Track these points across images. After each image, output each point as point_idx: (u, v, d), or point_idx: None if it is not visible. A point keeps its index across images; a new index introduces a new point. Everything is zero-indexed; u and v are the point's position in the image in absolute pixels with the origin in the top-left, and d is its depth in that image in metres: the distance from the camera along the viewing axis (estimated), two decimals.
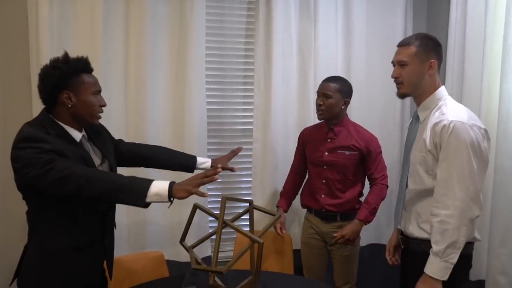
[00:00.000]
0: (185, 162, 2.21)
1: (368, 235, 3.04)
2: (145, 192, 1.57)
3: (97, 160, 1.82)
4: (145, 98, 2.66)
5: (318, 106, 2.43)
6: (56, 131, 1.68)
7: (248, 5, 2.89)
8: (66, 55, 1.72)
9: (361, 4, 2.94)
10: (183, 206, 2.73)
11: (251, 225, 1.85)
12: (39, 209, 1.70)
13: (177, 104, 2.74)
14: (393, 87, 1.98)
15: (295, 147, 2.71)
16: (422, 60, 1.84)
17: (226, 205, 1.64)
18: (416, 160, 1.87)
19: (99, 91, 1.79)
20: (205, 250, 2.81)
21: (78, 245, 1.73)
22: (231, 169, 2.28)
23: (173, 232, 2.78)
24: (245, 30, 2.92)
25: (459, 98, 2.62)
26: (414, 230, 1.90)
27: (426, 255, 1.75)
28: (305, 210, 2.67)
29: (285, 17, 2.81)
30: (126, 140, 2.62)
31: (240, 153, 2.93)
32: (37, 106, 2.49)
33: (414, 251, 1.90)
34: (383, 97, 3.03)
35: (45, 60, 2.41)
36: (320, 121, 2.56)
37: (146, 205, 1.61)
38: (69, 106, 1.69)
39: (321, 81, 2.48)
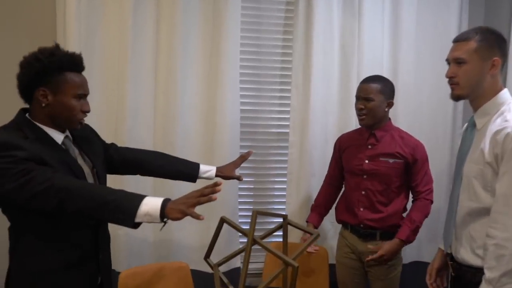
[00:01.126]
0: (186, 170, 2.00)
1: (410, 252, 2.81)
2: (134, 211, 1.37)
3: (85, 168, 1.65)
4: (175, 96, 2.52)
5: (359, 110, 2.20)
6: (35, 134, 1.50)
7: None
8: (55, 47, 1.53)
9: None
10: (211, 213, 2.57)
11: (285, 242, 1.64)
12: (19, 224, 1.52)
13: (209, 104, 2.58)
14: (445, 90, 1.77)
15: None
16: (483, 58, 1.61)
17: (258, 218, 1.44)
18: (471, 174, 1.64)
19: (84, 95, 1.60)
20: (233, 262, 2.62)
21: (65, 264, 1.55)
22: (238, 178, 2.07)
23: (201, 240, 2.62)
24: (283, 25, 2.74)
25: None
26: (468, 256, 1.66)
27: None
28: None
29: (327, 11, 2.61)
30: (152, 141, 2.52)
31: (275, 158, 2.80)
32: None
33: (469, 281, 1.65)
34: (433, 101, 2.78)
35: None
36: (358, 128, 2.36)
37: (135, 225, 1.42)
38: (43, 105, 1.51)
39: (359, 83, 2.26)
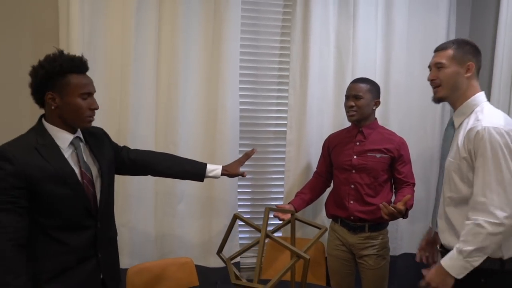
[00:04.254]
0: (193, 170, 2.08)
1: (402, 245, 2.93)
2: None
3: (93, 167, 1.74)
4: (177, 96, 2.57)
5: (349, 108, 2.34)
6: (44, 140, 1.61)
7: (284, 2, 2.79)
8: (58, 53, 1.63)
9: (402, 3, 2.79)
10: (212, 209, 2.66)
11: (293, 237, 1.73)
12: None
13: (210, 104, 2.64)
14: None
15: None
16: (459, 62, 1.82)
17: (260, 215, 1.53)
18: (450, 168, 1.81)
19: (89, 93, 1.67)
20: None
21: (64, 267, 1.62)
22: (242, 175, 2.16)
23: (203, 236, 2.70)
24: (280, 27, 2.82)
25: (507, 103, 2.50)
26: (452, 242, 1.78)
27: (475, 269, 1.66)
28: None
29: (323, 14, 2.69)
30: (154, 140, 2.58)
31: (273, 156, 2.87)
32: None
33: None
34: (422, 101, 2.88)
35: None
36: (346, 127, 2.50)
37: None
38: (53, 107, 1.61)
39: (349, 83, 2.41)
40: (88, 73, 2.51)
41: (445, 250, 1.84)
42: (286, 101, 2.77)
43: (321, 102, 2.76)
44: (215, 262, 2.69)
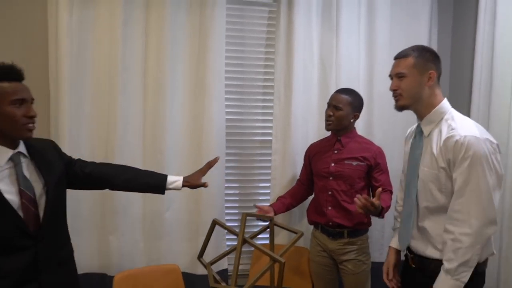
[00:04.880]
0: (153, 182, 1.98)
1: (384, 252, 2.94)
2: None
3: (37, 184, 1.63)
4: (163, 106, 2.63)
5: (328, 116, 2.41)
6: None
7: (269, 14, 2.87)
8: None
9: (384, 14, 2.86)
10: (199, 217, 2.71)
11: (271, 242, 1.79)
12: None
13: (196, 113, 2.70)
14: None
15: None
16: (420, 72, 1.81)
17: (247, 222, 1.58)
18: (427, 178, 1.80)
19: (23, 100, 1.55)
20: (221, 263, 2.74)
21: None
22: (204, 185, 2.06)
23: (190, 243, 2.74)
24: (265, 39, 2.89)
25: (487, 110, 2.57)
26: (429, 250, 1.82)
27: None
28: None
29: (307, 26, 2.77)
30: (142, 149, 2.63)
31: (259, 165, 2.93)
32: (55, 112, 2.52)
33: (432, 271, 1.78)
34: (406, 111, 2.91)
35: (64, 66, 2.47)
36: (326, 136, 2.56)
37: None
38: None
39: (333, 92, 2.48)
40: (77, 85, 2.58)
41: (419, 258, 1.86)
42: (272, 111, 2.83)
43: (305, 112, 2.82)
44: (203, 270, 2.73)
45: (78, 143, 2.56)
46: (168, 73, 2.63)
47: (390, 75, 1.92)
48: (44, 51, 2.54)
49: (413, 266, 1.91)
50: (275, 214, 2.51)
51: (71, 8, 2.49)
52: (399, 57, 1.89)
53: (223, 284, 1.60)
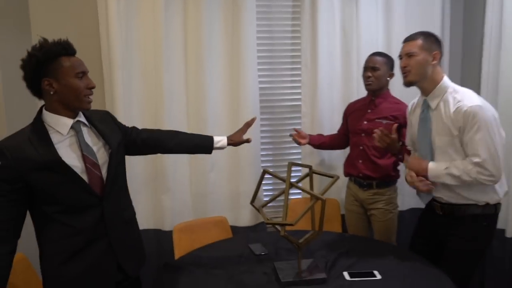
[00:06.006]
0: (202, 143, 2.16)
1: (408, 200, 3.25)
2: None
3: (101, 150, 1.74)
4: (203, 78, 2.93)
5: (367, 78, 2.65)
6: (37, 130, 1.62)
7: None
8: (42, 41, 1.61)
9: None
10: (239, 176, 3.05)
11: (311, 186, 2.11)
12: (32, 213, 1.68)
13: (233, 84, 3.00)
14: None
15: (341, 119, 2.97)
16: (427, 51, 2.09)
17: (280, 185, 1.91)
18: (444, 143, 2.07)
19: (83, 72, 1.65)
20: (258, 217, 3.10)
21: (73, 251, 1.65)
22: (247, 141, 2.24)
23: (232, 200, 3.09)
24: (291, 13, 3.14)
25: (495, 90, 2.84)
26: (457, 199, 2.10)
27: (476, 216, 2.04)
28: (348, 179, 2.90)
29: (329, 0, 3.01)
30: (186, 119, 2.94)
31: (290, 128, 3.22)
32: (109, 88, 2.82)
33: (462, 214, 2.10)
34: None
35: (116, 52, 2.76)
36: (363, 96, 2.81)
37: None
38: (52, 93, 1.60)
39: (368, 56, 2.71)
40: (127, 64, 2.87)
41: (447, 205, 2.15)
42: (300, 78, 3.13)
43: (330, 77, 3.09)
44: (244, 222, 3.09)
45: (131, 115, 2.89)
46: (206, 49, 2.91)
47: (399, 56, 2.18)
48: (96, 36, 2.84)
49: (441, 213, 2.19)
50: (309, 142, 2.84)
51: None
52: (408, 40, 2.15)
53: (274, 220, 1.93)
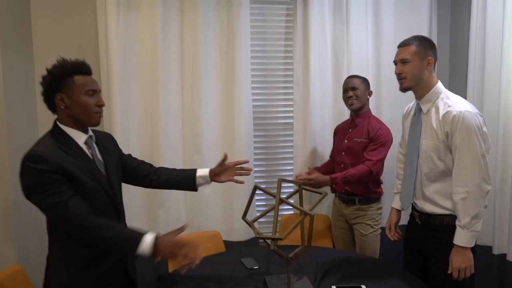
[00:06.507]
0: (185, 186, 2.21)
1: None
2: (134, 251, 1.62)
3: (103, 168, 1.81)
4: (199, 96, 3.01)
5: (348, 98, 2.74)
6: (64, 140, 1.70)
7: (287, 11, 3.23)
8: (61, 60, 1.72)
9: (389, 8, 3.21)
10: (233, 192, 3.11)
11: (300, 202, 2.17)
12: (50, 221, 1.73)
13: (227, 101, 3.08)
14: None
15: (332, 137, 3.04)
16: (421, 58, 2.08)
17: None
18: (429, 148, 2.07)
19: (94, 91, 1.74)
20: (250, 232, 3.14)
21: (89, 259, 1.72)
22: (240, 182, 2.24)
23: (225, 215, 3.14)
24: (284, 33, 3.25)
25: (481, 92, 2.90)
26: (433, 208, 2.12)
27: (452, 227, 2.00)
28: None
29: (320, 21, 3.12)
30: (181, 133, 3.01)
31: (282, 144, 3.30)
32: (107, 104, 2.86)
33: (438, 224, 2.11)
34: (411, 92, 3.25)
35: (114, 65, 2.83)
36: (346, 119, 2.92)
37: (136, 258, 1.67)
38: (63, 107, 1.69)
39: (345, 79, 2.81)
40: (124, 80, 2.94)
41: (426, 215, 2.16)
42: (292, 97, 3.22)
43: (322, 96, 3.18)
44: (237, 237, 3.15)
45: (128, 130, 2.96)
46: (202, 67, 3.00)
47: (394, 61, 2.18)
48: (95, 52, 2.91)
49: (420, 222, 2.22)
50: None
51: (117, 14, 2.86)
52: (402, 45, 2.14)
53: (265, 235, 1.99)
